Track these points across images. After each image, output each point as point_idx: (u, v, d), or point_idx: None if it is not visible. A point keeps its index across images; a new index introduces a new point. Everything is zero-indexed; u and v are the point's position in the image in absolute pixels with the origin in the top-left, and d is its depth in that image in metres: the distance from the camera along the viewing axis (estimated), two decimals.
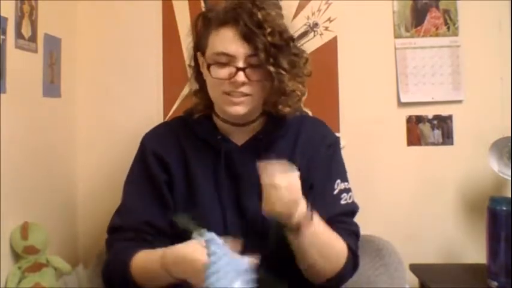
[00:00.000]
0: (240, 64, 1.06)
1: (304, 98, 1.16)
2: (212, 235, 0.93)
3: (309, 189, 1.15)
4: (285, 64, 1.07)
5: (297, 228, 1.02)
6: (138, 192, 1.18)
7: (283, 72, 1.06)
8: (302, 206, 1.02)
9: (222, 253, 0.90)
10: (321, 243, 1.07)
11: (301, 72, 1.11)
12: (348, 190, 1.19)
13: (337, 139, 1.26)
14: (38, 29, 1.51)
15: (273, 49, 1.05)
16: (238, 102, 1.09)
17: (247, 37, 1.05)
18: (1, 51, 1.31)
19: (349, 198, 1.19)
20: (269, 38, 1.04)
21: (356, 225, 1.20)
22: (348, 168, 1.24)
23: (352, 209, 1.19)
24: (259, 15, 1.05)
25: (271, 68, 1.05)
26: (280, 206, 0.99)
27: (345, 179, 1.21)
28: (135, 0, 1.80)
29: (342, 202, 1.17)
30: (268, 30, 1.05)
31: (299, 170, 1.15)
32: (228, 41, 1.07)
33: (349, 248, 1.13)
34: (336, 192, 1.17)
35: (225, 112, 1.13)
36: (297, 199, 1.01)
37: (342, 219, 1.16)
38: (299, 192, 1.01)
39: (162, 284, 1.04)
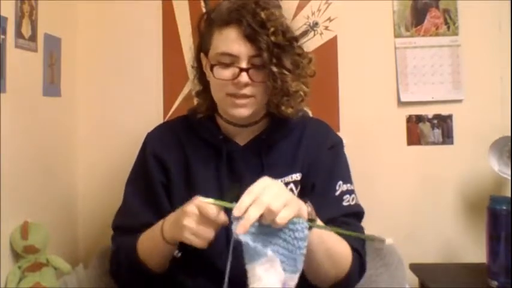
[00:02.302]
0: (243, 65, 1.05)
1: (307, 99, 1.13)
2: None
3: (311, 190, 1.14)
4: (288, 64, 1.05)
5: (313, 220, 0.94)
6: (135, 194, 1.19)
7: (286, 72, 1.05)
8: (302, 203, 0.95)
9: None
10: (326, 243, 1.02)
11: (304, 73, 1.09)
12: (350, 192, 1.16)
13: (341, 140, 1.24)
14: (38, 28, 1.51)
15: (276, 49, 1.04)
16: (241, 105, 1.08)
17: (250, 37, 1.03)
18: (1, 50, 1.31)
19: (352, 200, 1.16)
20: (272, 38, 1.03)
21: (361, 227, 1.16)
22: None
23: (355, 211, 1.16)
24: (263, 15, 1.04)
25: (274, 68, 1.04)
26: (291, 202, 0.87)
27: (347, 180, 1.18)
28: (135, 0, 1.80)
29: (344, 204, 1.14)
30: (272, 29, 1.03)
31: (301, 171, 1.15)
32: (231, 41, 1.05)
33: (355, 250, 1.09)
34: (337, 193, 1.15)
35: (228, 114, 1.12)
36: (292, 195, 0.92)
37: (345, 220, 1.13)
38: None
39: (165, 256, 1.06)
